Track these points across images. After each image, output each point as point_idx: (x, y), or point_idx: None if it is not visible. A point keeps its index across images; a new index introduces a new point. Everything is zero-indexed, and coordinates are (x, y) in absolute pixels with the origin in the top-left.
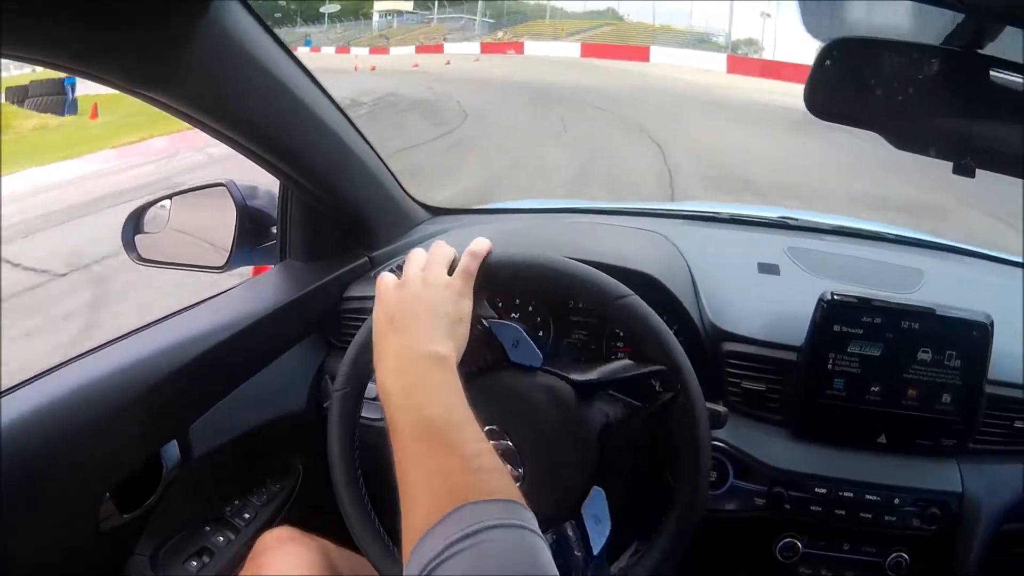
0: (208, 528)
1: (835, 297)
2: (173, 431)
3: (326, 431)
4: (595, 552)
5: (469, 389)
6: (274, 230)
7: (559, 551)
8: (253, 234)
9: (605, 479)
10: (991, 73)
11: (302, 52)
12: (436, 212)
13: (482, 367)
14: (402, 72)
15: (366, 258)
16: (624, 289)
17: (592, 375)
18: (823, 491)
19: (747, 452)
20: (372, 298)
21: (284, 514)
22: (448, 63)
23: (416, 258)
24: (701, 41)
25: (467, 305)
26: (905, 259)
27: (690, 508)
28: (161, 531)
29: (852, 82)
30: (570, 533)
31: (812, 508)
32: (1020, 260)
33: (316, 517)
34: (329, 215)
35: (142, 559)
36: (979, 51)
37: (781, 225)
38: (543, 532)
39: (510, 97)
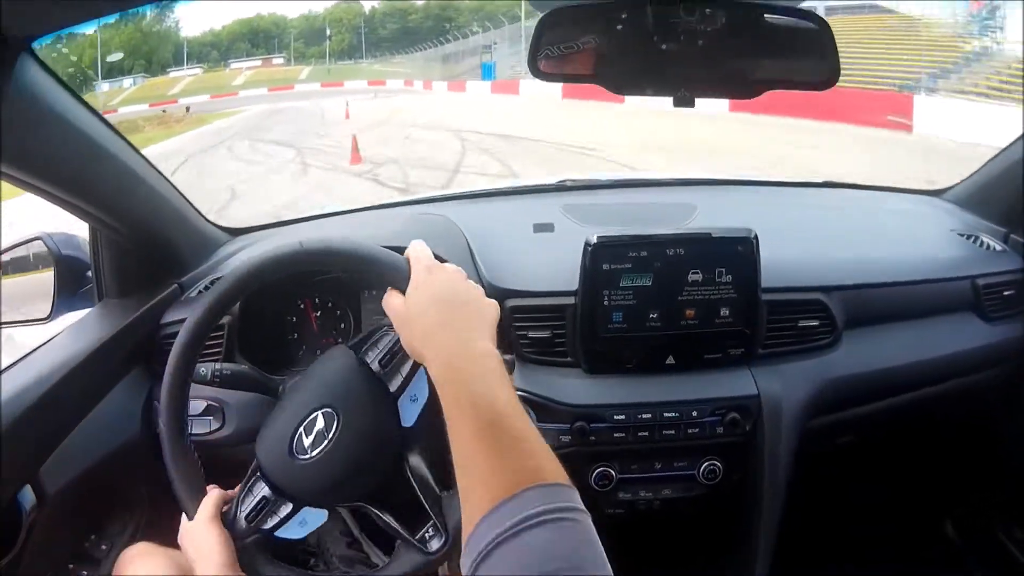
0: (72, 566)
1: (598, 239)
2: (25, 475)
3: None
4: None
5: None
6: (90, 274)
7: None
8: (72, 281)
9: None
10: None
11: None
12: (235, 233)
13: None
14: None
15: (176, 285)
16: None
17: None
18: (621, 417)
19: (545, 396)
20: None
21: (139, 539)
22: None
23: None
24: None
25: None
26: (680, 198)
27: None
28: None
29: (570, 44)
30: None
31: (616, 435)
32: (783, 180)
33: (169, 536)
34: (136, 250)
35: None
36: None
37: (559, 189)
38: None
39: None
